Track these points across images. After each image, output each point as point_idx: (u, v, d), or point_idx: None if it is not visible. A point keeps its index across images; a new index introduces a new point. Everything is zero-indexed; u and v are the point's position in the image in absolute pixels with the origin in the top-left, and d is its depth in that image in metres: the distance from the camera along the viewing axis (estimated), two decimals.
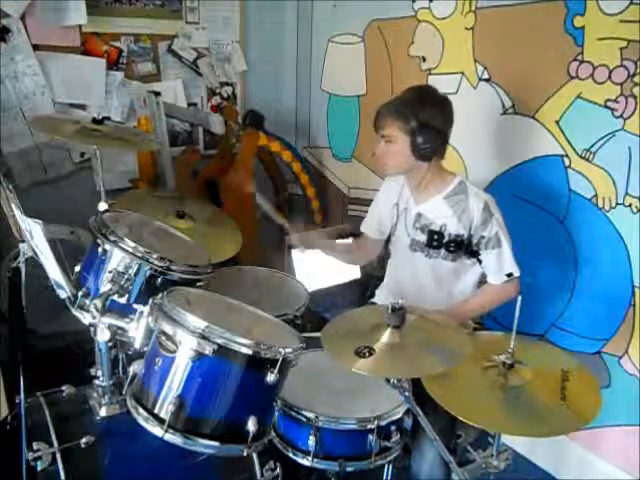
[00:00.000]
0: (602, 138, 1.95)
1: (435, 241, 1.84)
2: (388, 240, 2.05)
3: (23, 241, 1.57)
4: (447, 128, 1.78)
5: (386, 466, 1.57)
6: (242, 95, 3.21)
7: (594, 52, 1.92)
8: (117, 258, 1.41)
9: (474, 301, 1.87)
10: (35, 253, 1.49)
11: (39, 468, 1.35)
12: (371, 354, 1.27)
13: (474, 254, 1.83)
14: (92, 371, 1.57)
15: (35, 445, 1.35)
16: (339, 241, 2.23)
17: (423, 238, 1.86)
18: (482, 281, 1.91)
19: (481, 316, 2.00)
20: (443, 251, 1.84)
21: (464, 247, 1.82)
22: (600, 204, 2.00)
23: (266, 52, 3.23)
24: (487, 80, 2.29)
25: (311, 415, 1.44)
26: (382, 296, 2.09)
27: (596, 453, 2.16)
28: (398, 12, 2.59)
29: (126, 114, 2.85)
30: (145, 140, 2.29)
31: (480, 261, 1.83)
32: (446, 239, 1.82)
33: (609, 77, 1.89)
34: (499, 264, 1.79)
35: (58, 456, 1.36)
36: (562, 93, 2.03)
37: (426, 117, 1.72)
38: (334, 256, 2.12)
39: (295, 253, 2.46)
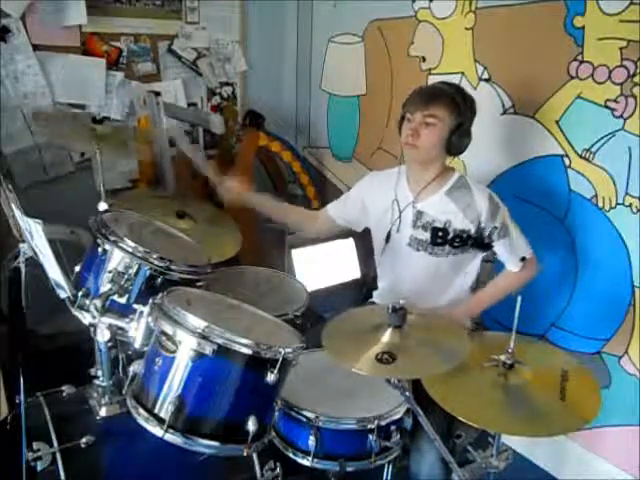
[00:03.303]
0: (602, 138, 1.95)
1: (440, 238, 1.83)
2: (387, 240, 2.01)
3: (23, 241, 1.57)
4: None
5: (386, 466, 1.57)
6: (242, 95, 3.21)
7: (594, 52, 1.92)
8: (117, 258, 1.41)
9: (494, 288, 1.92)
10: (35, 253, 1.49)
11: (39, 468, 1.35)
12: (394, 359, 1.27)
13: (487, 246, 1.84)
14: (92, 371, 1.57)
15: (35, 445, 1.35)
16: (287, 206, 2.16)
17: (426, 236, 1.85)
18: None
19: (481, 316, 2.00)
20: (447, 247, 1.84)
21: (471, 241, 1.82)
22: (600, 204, 2.00)
23: (266, 52, 3.23)
24: (487, 80, 2.29)
25: (311, 415, 1.44)
26: (379, 298, 2.07)
27: (596, 453, 2.16)
28: (398, 12, 2.59)
29: (126, 114, 2.85)
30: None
31: (494, 252, 1.87)
32: (451, 235, 1.82)
33: (609, 77, 1.89)
34: (512, 251, 1.84)
35: (58, 456, 1.36)
36: (562, 93, 2.03)
37: (470, 114, 1.78)
38: (271, 214, 2.10)
39: (295, 253, 2.46)
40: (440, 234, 1.82)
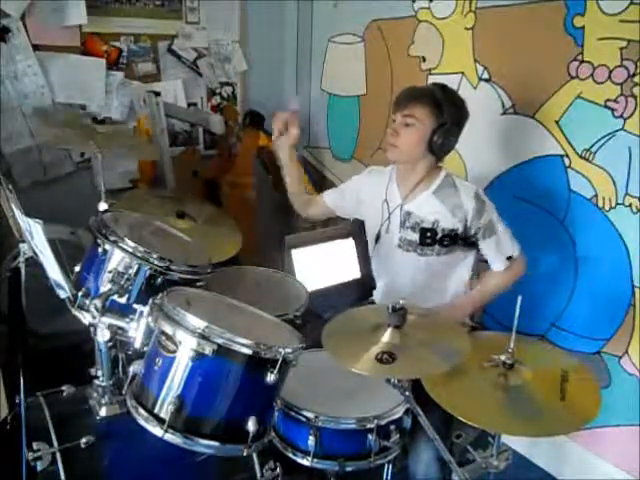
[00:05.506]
0: (602, 138, 1.95)
1: (428, 238, 1.83)
2: (377, 240, 2.00)
3: (23, 241, 1.57)
4: (459, 136, 1.80)
5: (386, 466, 1.56)
6: (242, 95, 3.21)
7: (594, 52, 1.92)
8: (117, 258, 1.41)
9: (480, 290, 1.90)
10: (35, 253, 1.49)
11: (39, 468, 1.34)
12: (394, 359, 1.27)
13: (472, 245, 1.84)
14: (92, 371, 1.57)
15: (35, 445, 1.35)
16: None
17: (415, 237, 1.85)
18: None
19: (481, 316, 2.00)
20: (437, 247, 1.84)
21: (459, 240, 1.82)
22: (600, 204, 2.00)
23: (266, 52, 3.24)
24: (487, 80, 2.29)
25: (311, 415, 1.44)
26: (378, 298, 2.06)
27: (596, 453, 2.16)
28: (398, 12, 2.59)
29: (126, 114, 2.86)
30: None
31: (480, 251, 1.85)
32: (439, 235, 1.82)
33: (609, 77, 1.89)
34: (498, 250, 1.82)
35: (58, 456, 1.35)
36: (562, 93, 2.03)
37: (455, 115, 1.76)
38: (289, 180, 2.13)
39: (295, 253, 2.45)
40: (428, 234, 1.82)
